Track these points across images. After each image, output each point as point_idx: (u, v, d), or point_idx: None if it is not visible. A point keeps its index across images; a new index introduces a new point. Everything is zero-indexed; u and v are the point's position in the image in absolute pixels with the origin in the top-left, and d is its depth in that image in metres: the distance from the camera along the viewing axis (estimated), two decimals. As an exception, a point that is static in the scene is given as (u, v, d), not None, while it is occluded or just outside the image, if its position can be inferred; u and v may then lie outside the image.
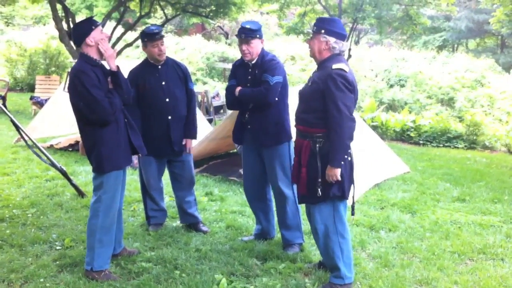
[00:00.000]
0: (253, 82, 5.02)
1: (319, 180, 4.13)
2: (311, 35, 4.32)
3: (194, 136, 5.58)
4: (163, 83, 5.37)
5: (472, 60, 26.51)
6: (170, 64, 5.50)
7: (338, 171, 4.07)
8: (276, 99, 4.94)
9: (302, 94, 4.37)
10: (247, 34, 4.94)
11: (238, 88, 5.05)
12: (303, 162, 4.21)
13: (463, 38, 31.73)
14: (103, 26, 4.46)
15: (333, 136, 4.05)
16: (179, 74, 5.48)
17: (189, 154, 5.60)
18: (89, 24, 4.31)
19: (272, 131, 5.00)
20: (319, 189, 4.14)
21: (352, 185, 4.29)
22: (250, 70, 5.07)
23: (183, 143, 5.48)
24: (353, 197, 4.40)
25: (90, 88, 4.15)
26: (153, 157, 5.45)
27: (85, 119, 4.28)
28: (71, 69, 4.31)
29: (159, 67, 5.42)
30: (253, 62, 5.04)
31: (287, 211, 5.11)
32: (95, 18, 4.55)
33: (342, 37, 4.22)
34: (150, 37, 5.31)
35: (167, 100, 5.35)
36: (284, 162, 5.05)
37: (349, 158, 4.22)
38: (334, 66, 4.08)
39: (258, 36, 4.97)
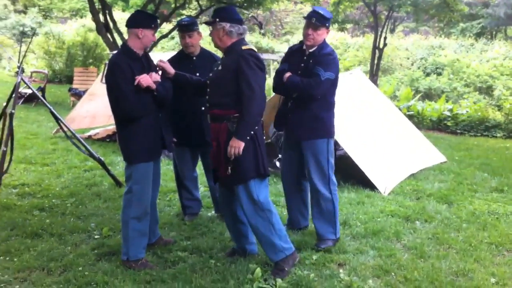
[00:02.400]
0: (304, 71, 4.91)
1: (231, 160, 4.17)
2: (210, 28, 4.44)
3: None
4: (198, 74, 5.35)
5: (511, 47, 25.90)
6: (206, 56, 5.52)
7: (242, 145, 4.11)
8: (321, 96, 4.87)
9: (212, 80, 4.39)
10: (319, 19, 4.84)
11: (288, 74, 4.93)
12: (222, 145, 4.22)
13: (502, 25, 30.96)
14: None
15: (244, 111, 4.12)
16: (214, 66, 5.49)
17: None
18: (151, 21, 4.43)
19: (310, 125, 4.93)
20: (229, 168, 4.18)
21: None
22: (305, 58, 4.97)
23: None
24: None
25: (120, 82, 4.23)
26: (186, 147, 5.50)
27: (114, 112, 4.38)
28: (108, 60, 4.39)
29: (194, 58, 5.45)
30: (310, 50, 4.95)
31: (321, 206, 5.05)
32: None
33: (236, 21, 4.30)
34: (179, 29, 5.39)
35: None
36: (320, 158, 4.98)
37: (257, 134, 4.26)
38: (244, 47, 4.21)
39: (327, 25, 4.89)
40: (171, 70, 4.59)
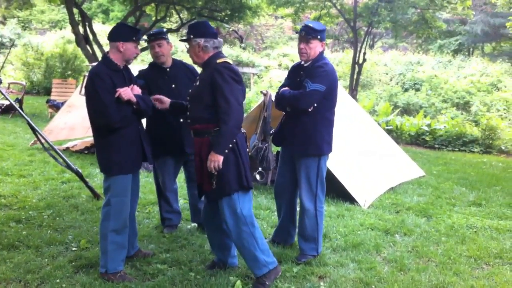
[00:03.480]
0: (299, 86, 4.88)
1: (216, 174, 4.15)
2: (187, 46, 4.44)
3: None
4: (173, 85, 5.35)
5: (488, 64, 26.32)
6: (178, 66, 5.50)
7: (221, 159, 4.11)
8: (311, 108, 4.79)
9: (191, 95, 4.41)
10: (308, 32, 4.83)
11: (282, 89, 4.97)
12: (205, 159, 4.20)
13: (479, 42, 31.45)
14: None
15: (221, 124, 4.11)
16: (189, 76, 5.44)
17: None
18: (132, 34, 4.39)
19: (302, 140, 4.89)
20: (214, 182, 4.18)
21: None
22: (302, 72, 4.96)
23: None
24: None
25: (101, 92, 4.19)
26: (169, 157, 5.47)
27: (93, 123, 4.34)
28: (89, 71, 4.36)
29: (168, 69, 5.41)
30: (306, 64, 4.94)
31: (305, 222, 5.03)
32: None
33: (210, 35, 4.32)
34: (148, 39, 5.36)
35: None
36: (310, 174, 4.95)
37: (247, 150, 4.32)
38: (218, 61, 4.22)
39: (319, 37, 4.85)
40: (167, 101, 4.62)
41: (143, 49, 17.17)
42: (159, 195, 5.71)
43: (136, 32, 4.45)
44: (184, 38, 4.41)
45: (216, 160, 4.09)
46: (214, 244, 4.66)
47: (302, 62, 5.01)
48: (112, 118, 4.21)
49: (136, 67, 7.62)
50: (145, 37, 5.58)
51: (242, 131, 4.35)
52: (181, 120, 5.31)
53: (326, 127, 4.97)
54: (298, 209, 5.29)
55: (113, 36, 4.38)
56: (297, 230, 5.31)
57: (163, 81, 5.34)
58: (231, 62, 4.26)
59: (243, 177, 4.21)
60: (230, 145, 4.14)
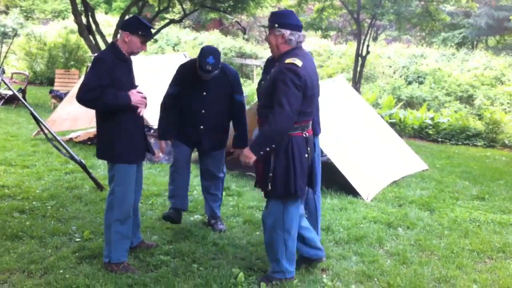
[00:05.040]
0: None
1: (270, 175, 4.08)
2: (267, 32, 4.25)
3: (244, 145, 5.28)
4: (204, 93, 5.24)
5: (492, 57, 26.21)
6: (219, 72, 5.21)
7: (252, 157, 4.03)
8: None
9: (260, 91, 4.38)
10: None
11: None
12: (265, 155, 4.13)
13: (483, 35, 31.32)
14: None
15: (266, 125, 4.00)
16: (225, 85, 5.29)
17: (221, 150, 5.53)
18: (139, 28, 4.34)
19: None
20: (269, 184, 4.09)
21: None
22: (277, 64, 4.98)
23: (231, 150, 5.54)
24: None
25: (95, 70, 4.21)
26: (185, 146, 5.45)
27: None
28: (95, 56, 4.38)
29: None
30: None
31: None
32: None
33: (296, 28, 4.12)
34: (201, 69, 5.10)
35: (203, 111, 5.25)
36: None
37: (306, 155, 4.15)
38: (287, 61, 4.02)
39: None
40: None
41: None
42: (171, 177, 5.60)
43: (144, 27, 4.38)
44: (268, 25, 4.21)
45: (247, 156, 4.04)
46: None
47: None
48: (83, 95, 4.18)
49: (139, 59, 7.60)
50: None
51: (304, 135, 4.16)
52: (201, 127, 5.29)
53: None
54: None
55: (123, 25, 4.42)
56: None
57: (198, 86, 5.23)
58: (299, 64, 3.99)
59: (291, 184, 4.07)
60: (268, 149, 4.01)
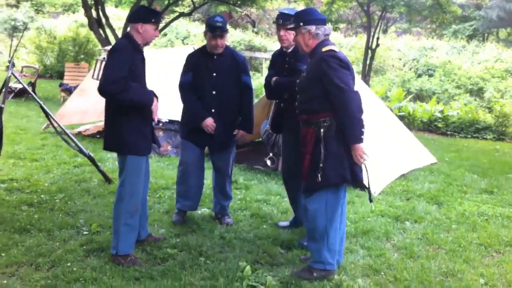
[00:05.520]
0: (289, 71, 4.94)
1: (321, 165, 4.07)
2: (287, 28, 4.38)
3: (249, 130, 5.48)
4: (214, 74, 5.26)
5: (503, 50, 26.04)
6: (227, 55, 5.34)
7: (361, 147, 4.00)
8: None
9: (300, 85, 4.35)
10: (284, 19, 4.86)
11: (274, 78, 5.01)
12: (309, 149, 4.15)
13: (494, 27, 31.10)
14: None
15: (342, 114, 4.00)
16: (234, 67, 5.34)
17: (231, 147, 5.53)
18: (151, 16, 4.38)
19: None
20: (319, 175, 4.08)
21: (365, 169, 4.21)
22: (286, 59, 5.01)
23: (234, 133, 5.44)
24: (368, 183, 4.35)
25: (115, 61, 4.20)
26: (195, 146, 5.41)
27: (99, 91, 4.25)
28: (115, 44, 4.39)
29: (215, 57, 5.30)
30: (289, 50, 4.97)
31: None
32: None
33: (321, 22, 4.22)
34: (211, 30, 5.16)
35: (214, 92, 5.27)
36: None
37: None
38: (324, 49, 4.12)
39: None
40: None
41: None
42: (179, 178, 5.57)
43: (155, 14, 4.45)
44: (293, 26, 4.30)
45: (360, 151, 4.02)
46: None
47: (284, 49, 5.04)
48: (109, 88, 4.15)
49: (149, 52, 7.60)
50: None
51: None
52: (213, 110, 5.29)
53: None
54: None
55: (133, 18, 4.44)
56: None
57: (206, 69, 5.27)
58: (337, 50, 4.13)
59: (346, 169, 4.08)
60: (363, 129, 4.01)
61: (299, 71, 4.78)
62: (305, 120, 4.26)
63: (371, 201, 4.39)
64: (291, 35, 4.89)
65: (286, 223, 5.54)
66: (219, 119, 5.30)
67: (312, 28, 4.18)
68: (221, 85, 5.28)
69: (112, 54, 4.28)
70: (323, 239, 4.23)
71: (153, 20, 4.37)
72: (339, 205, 4.28)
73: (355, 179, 4.18)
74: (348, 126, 4.01)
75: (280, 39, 5.00)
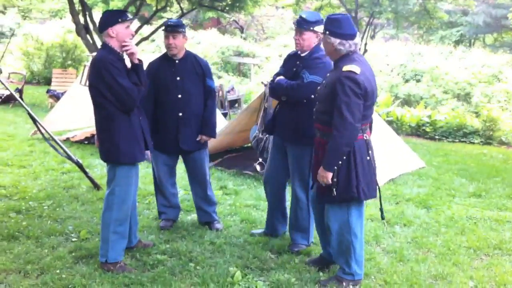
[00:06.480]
0: (295, 75, 4.89)
1: (335, 180, 4.05)
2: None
3: (210, 134, 5.43)
4: (178, 78, 5.28)
5: (489, 55, 26.20)
6: (190, 59, 5.40)
7: (329, 175, 4.01)
8: (306, 99, 4.76)
9: (319, 94, 4.31)
10: (300, 23, 4.79)
11: (278, 77, 4.96)
12: (320, 159, 4.15)
13: (481, 33, 31.36)
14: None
15: (331, 139, 3.99)
16: (197, 70, 5.36)
17: (202, 151, 5.48)
18: (116, 17, 4.33)
19: (294, 129, 4.86)
20: (334, 189, 4.06)
21: (378, 187, 4.23)
22: (297, 62, 4.94)
23: (197, 139, 5.37)
24: (380, 199, 4.38)
25: (119, 78, 4.18)
26: (162, 153, 5.40)
27: (111, 109, 4.25)
28: (96, 60, 4.30)
29: (177, 61, 5.33)
30: (302, 54, 4.90)
31: (297, 212, 5.05)
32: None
33: (348, 36, 4.06)
34: (165, 28, 5.26)
35: (179, 96, 5.26)
36: (303, 165, 4.91)
37: (368, 158, 4.15)
38: (345, 68, 3.98)
39: (311, 28, 4.78)
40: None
41: (144, 38, 17.17)
42: (156, 188, 5.63)
43: (120, 13, 4.38)
44: (322, 30, 4.22)
45: (325, 177, 4.02)
46: (321, 239, 4.67)
47: (299, 52, 4.97)
48: (134, 99, 4.24)
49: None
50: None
51: (365, 137, 4.18)
52: (180, 114, 5.28)
53: None
54: (289, 198, 5.28)
55: (101, 26, 4.36)
56: (288, 219, 5.29)
57: (170, 73, 5.29)
58: (357, 72, 3.94)
59: (353, 187, 4.05)
60: (340, 162, 4.00)
61: (300, 77, 4.77)
62: (319, 129, 4.24)
63: (383, 218, 4.44)
64: (305, 40, 4.81)
65: (260, 231, 5.48)
66: (186, 122, 5.30)
67: (336, 41, 4.05)
68: (187, 88, 5.29)
69: (107, 70, 4.19)
70: (351, 253, 4.23)
71: (119, 20, 4.31)
72: (361, 218, 4.29)
73: (362, 197, 4.13)
74: (329, 153, 4.01)
75: (295, 42, 4.92)
